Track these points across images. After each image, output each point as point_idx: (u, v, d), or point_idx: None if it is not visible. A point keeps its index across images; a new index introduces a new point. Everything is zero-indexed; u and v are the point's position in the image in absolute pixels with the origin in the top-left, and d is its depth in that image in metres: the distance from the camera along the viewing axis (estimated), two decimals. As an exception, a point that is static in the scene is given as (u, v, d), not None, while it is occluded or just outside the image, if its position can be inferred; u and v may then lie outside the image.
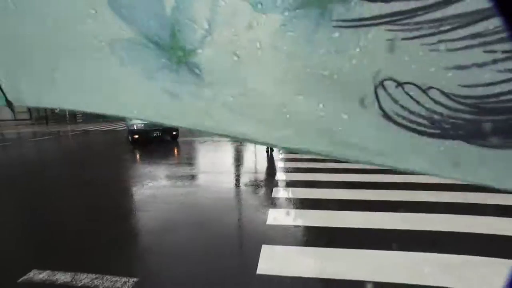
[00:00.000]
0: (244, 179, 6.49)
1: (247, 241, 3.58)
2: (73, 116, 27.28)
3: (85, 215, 4.68)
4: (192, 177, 6.63)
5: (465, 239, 3.48)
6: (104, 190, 6.00)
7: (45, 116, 24.88)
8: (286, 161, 8.07)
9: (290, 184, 5.93)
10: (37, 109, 27.36)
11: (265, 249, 3.20)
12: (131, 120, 10.93)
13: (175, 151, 10.51)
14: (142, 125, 10.83)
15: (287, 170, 7.06)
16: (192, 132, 15.37)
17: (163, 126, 11.09)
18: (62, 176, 7.37)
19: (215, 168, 7.69)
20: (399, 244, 3.35)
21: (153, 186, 6.10)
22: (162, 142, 11.40)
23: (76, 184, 6.52)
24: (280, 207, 4.60)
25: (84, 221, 4.42)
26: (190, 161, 8.90)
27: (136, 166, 8.46)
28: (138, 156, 9.97)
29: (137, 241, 3.73)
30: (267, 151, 9.68)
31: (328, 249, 3.26)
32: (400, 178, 6.10)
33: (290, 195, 5.21)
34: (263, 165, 7.96)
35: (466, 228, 3.70)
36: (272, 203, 4.75)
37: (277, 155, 8.82)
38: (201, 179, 6.48)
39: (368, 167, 6.94)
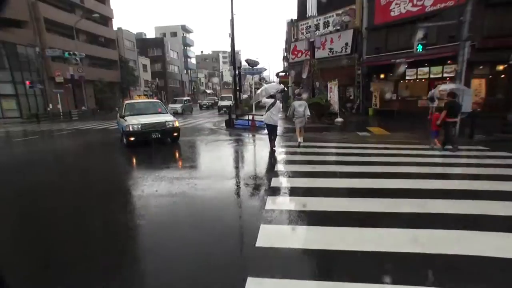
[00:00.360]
0: (237, 186, 5.86)
1: (230, 272, 2.92)
2: (68, 114, 26.61)
3: (40, 237, 4.07)
4: (179, 184, 5.99)
5: (495, 267, 2.87)
6: (73, 203, 5.40)
7: (36, 114, 24.18)
8: (285, 163, 7.49)
9: (286, 192, 5.31)
10: (29, 107, 26.85)
11: (251, 285, 2.59)
12: (125, 120, 9.99)
13: (169, 153, 9.80)
14: (139, 126, 9.67)
15: (285, 174, 6.45)
16: (193, 131, 14.86)
17: (162, 127, 10.01)
18: (27, 184, 6.75)
19: (207, 173, 7.05)
20: (410, 274, 2.74)
21: (134, 196, 5.52)
22: (158, 144, 10.24)
23: (40, 193, 5.93)
24: (273, 223, 3.96)
25: (37, 245, 3.82)
26: (182, 163, 8.31)
27: (120, 171, 7.85)
28: (126, 159, 9.38)
29: (92, 268, 3.12)
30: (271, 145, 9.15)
31: (324, 283, 2.65)
32: (409, 184, 5.50)
33: (285, 207, 4.57)
34: (260, 168, 7.35)
35: (495, 251, 3.07)
36: (265, 217, 4.12)
37: (278, 156, 8.23)
38: (189, 186, 5.82)
39: (372, 170, 6.41)
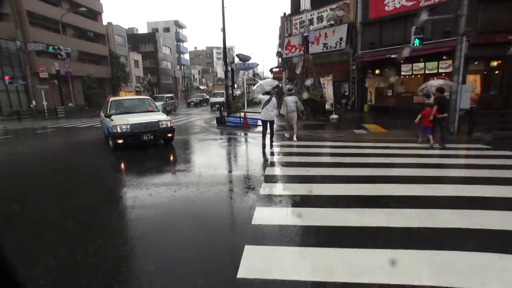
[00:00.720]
0: (223, 195, 5.27)
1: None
2: (53, 111, 25.64)
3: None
4: (159, 193, 5.41)
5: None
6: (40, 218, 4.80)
7: (17, 111, 23.09)
8: (277, 166, 6.98)
9: (277, 201, 4.72)
10: (10, 104, 25.76)
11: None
12: (112, 120, 8.77)
13: (152, 156, 9.05)
14: (129, 126, 8.49)
15: (276, 179, 5.91)
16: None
17: (155, 128, 8.88)
18: None
19: (191, 180, 6.39)
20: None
21: (96, 211, 4.94)
22: (145, 146, 9.18)
23: None
24: (260, 243, 3.39)
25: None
26: (165, 168, 7.74)
27: (97, 178, 7.26)
28: (106, 163, 8.76)
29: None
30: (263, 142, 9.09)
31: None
32: (414, 189, 4.99)
33: (276, 221, 3.97)
34: (250, 171, 6.71)
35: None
36: (251, 236, 3.56)
37: (271, 158, 7.70)
38: (168, 197, 5.24)
39: (372, 173, 5.48)
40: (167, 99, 25.22)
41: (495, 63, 14.05)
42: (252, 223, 3.89)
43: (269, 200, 4.77)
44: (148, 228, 3.95)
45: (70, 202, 5.10)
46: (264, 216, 4.15)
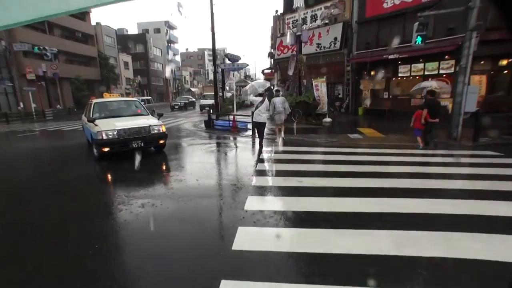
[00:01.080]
0: (205, 211, 4.59)
1: None
2: (41, 113, 24.70)
3: None
4: (130, 211, 4.68)
5: None
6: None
7: (5, 114, 22.44)
8: (267, 175, 6.29)
9: (264, 219, 4.01)
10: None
11: None
12: (96, 125, 7.77)
13: (126, 166, 8.22)
14: (115, 132, 7.53)
15: (264, 192, 5.21)
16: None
17: (145, 133, 7.91)
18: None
19: (171, 192, 5.66)
20: None
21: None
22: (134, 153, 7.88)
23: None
24: (240, 276, 2.70)
25: None
26: (142, 178, 6.94)
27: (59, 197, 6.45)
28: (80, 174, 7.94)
29: None
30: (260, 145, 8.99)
31: None
32: (420, 205, 4.31)
33: (260, 246, 3.28)
34: (237, 182, 5.93)
35: None
36: (230, 266, 2.89)
37: (259, 165, 6.96)
38: (139, 218, 4.52)
39: (373, 185, 4.70)
40: (142, 103, 21.50)
41: (504, 62, 13.16)
42: (233, 248, 3.25)
43: (255, 217, 4.07)
44: (107, 258, 3.20)
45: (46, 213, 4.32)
46: (247, 238, 3.49)
